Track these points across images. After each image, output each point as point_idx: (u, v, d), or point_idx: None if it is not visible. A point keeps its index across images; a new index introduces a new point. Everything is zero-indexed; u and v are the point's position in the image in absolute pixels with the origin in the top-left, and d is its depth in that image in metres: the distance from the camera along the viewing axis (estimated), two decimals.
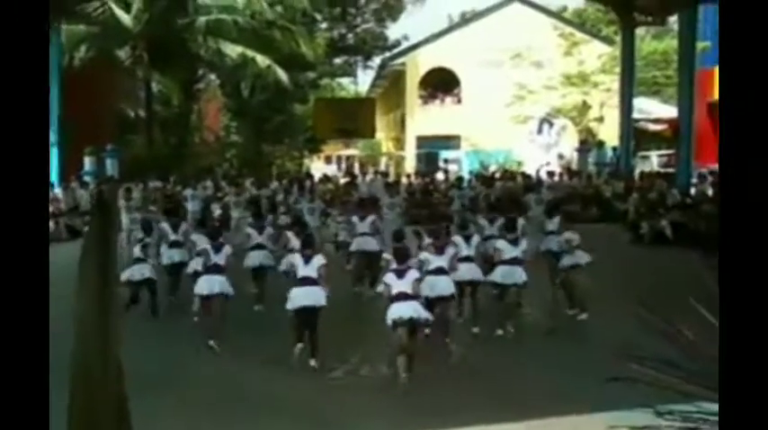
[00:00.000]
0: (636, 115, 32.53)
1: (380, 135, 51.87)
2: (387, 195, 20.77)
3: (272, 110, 43.10)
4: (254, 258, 13.83)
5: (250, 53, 35.16)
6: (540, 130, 43.17)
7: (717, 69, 20.46)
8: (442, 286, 10.73)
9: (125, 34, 33.96)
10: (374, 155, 57.47)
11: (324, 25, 52.31)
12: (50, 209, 23.80)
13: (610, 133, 34.16)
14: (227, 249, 11.62)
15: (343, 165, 59.99)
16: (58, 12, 28.03)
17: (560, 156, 40.21)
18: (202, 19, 34.66)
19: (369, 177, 30.60)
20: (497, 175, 30.93)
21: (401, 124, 47.24)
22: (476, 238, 12.43)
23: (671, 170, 29.51)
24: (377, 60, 55.34)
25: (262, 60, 35.40)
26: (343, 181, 29.14)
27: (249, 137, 43.43)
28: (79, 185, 26.34)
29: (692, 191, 24.66)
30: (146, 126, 36.46)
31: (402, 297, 9.64)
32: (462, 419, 8.46)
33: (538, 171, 29.59)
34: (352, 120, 38.94)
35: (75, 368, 4.18)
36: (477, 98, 41.55)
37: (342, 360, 10.58)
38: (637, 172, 30.16)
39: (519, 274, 11.88)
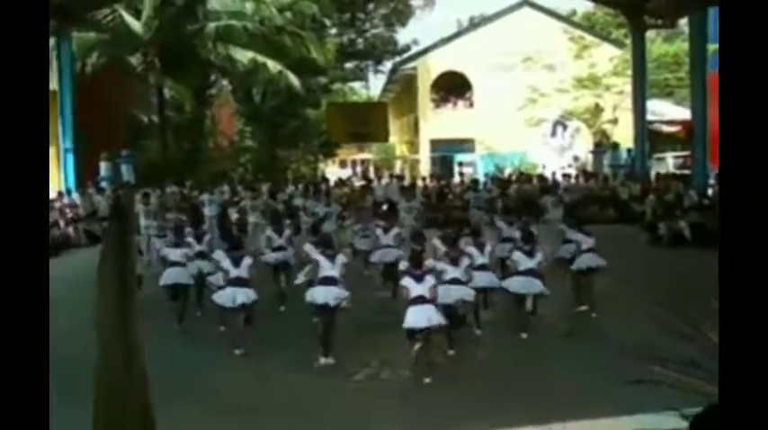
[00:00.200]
0: (649, 117, 32.43)
1: (394, 139, 51.85)
2: (403, 199, 20.83)
3: (286, 114, 43.14)
4: (275, 257, 14.24)
5: (261, 58, 35.21)
6: (553, 133, 43.13)
7: None
8: (458, 295, 10.90)
9: (136, 41, 34.08)
10: (388, 158, 57.46)
11: (333, 31, 52.36)
12: (69, 214, 23.97)
13: (624, 135, 34.06)
14: (246, 261, 11.57)
15: (358, 169, 59.96)
16: (68, 19, 28.17)
17: (575, 158, 40.17)
18: (212, 25, 34.75)
19: (384, 181, 30.63)
20: (513, 178, 30.95)
21: (414, 128, 47.26)
22: (489, 247, 12.53)
23: (687, 172, 29.41)
24: (387, 65, 55.39)
25: (273, 66, 35.45)
26: (358, 184, 29.20)
27: (263, 142, 43.50)
28: (96, 191, 26.47)
29: (710, 192, 24.58)
30: (159, 131, 36.56)
31: (420, 300, 9.87)
32: (483, 422, 8.45)
33: (554, 173, 29.60)
34: (366, 123, 39.00)
35: (99, 375, 4.20)
36: (490, 101, 41.53)
37: (363, 363, 10.58)
38: (653, 173, 30.07)
39: (537, 285, 11.97)
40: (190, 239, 14.12)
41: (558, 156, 41.47)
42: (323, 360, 10.59)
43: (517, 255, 12.32)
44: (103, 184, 27.64)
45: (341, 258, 11.15)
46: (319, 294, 10.66)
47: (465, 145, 43.96)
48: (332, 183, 28.48)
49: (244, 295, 11.24)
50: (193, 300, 13.72)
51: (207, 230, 15.65)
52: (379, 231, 15.51)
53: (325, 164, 55.89)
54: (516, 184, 27.78)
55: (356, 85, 63.02)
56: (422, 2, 57.12)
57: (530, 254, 12.15)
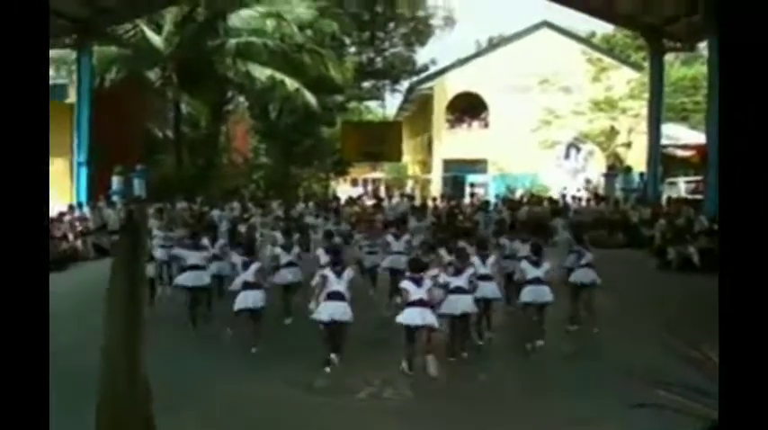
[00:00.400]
0: (664, 141, 32.39)
1: (407, 158, 51.90)
2: (413, 218, 20.85)
3: (301, 132, 43.30)
4: (284, 275, 14.27)
5: (279, 76, 35.35)
6: (567, 155, 43.14)
7: None
8: (462, 305, 11.32)
9: (156, 56, 34.30)
10: (400, 178, 57.51)
11: (353, 49, 52.55)
12: (78, 227, 24.04)
13: (637, 159, 34.01)
14: (255, 265, 12.18)
15: (370, 188, 60.02)
16: (90, 33, 28.40)
17: (587, 181, 40.11)
18: (232, 41, 34.95)
19: (395, 200, 30.64)
20: (524, 200, 30.92)
21: (428, 148, 47.30)
22: (492, 258, 12.88)
23: (699, 196, 29.31)
24: (405, 84, 55.51)
25: (290, 83, 35.59)
26: (369, 203, 29.23)
27: (278, 159, 43.63)
28: (107, 205, 26.57)
29: None
30: (174, 147, 36.69)
31: (418, 303, 10.55)
32: None
33: (564, 196, 29.55)
34: (379, 143, 39.03)
35: (103, 387, 4.22)
36: (505, 122, 41.58)
37: (366, 382, 10.56)
38: (664, 198, 29.97)
39: (546, 293, 12.29)
40: (206, 242, 14.65)
41: (571, 179, 41.43)
42: (328, 368, 10.90)
43: (524, 265, 12.66)
44: (114, 198, 27.76)
45: (348, 273, 11.43)
46: (326, 311, 11.00)
47: (478, 166, 43.99)
48: (342, 201, 28.48)
49: (252, 298, 11.85)
50: (206, 303, 14.17)
51: (219, 237, 16.02)
52: (389, 238, 15.86)
53: (337, 182, 55.98)
54: (527, 206, 27.75)
55: (372, 104, 63.22)
56: (442, 22, 57.41)
57: (536, 264, 12.51)
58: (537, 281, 12.33)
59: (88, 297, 15.13)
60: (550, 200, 30.34)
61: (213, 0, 35.41)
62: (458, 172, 44.19)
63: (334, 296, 11.07)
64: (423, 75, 52.10)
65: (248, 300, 11.87)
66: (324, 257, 12.23)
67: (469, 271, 11.63)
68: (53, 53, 29.95)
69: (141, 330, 4.34)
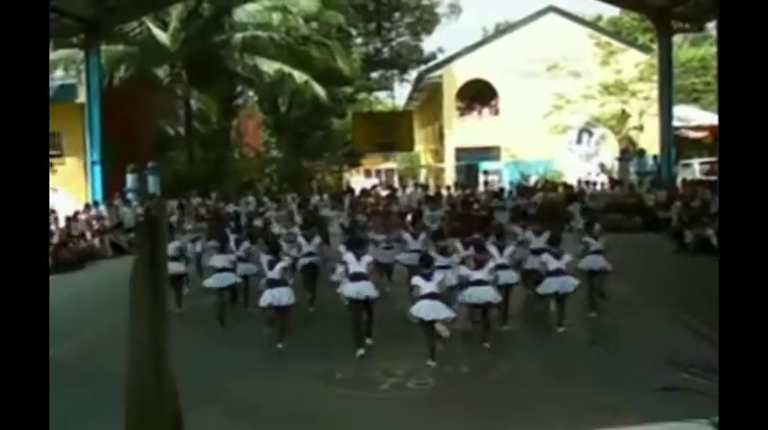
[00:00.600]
0: (676, 123, 32.22)
1: (419, 147, 51.82)
2: (427, 208, 20.85)
3: (311, 125, 43.32)
4: (305, 263, 14.85)
5: (287, 69, 35.37)
6: (579, 140, 43.00)
7: None
8: (484, 295, 11.67)
9: (163, 53, 34.34)
10: (413, 167, 57.44)
11: (359, 40, 52.57)
12: (95, 226, 24.14)
13: (650, 141, 33.85)
14: (280, 264, 12.47)
15: (383, 179, 59.99)
16: (97, 33, 28.46)
17: (601, 166, 39.97)
18: (239, 36, 34.97)
19: (409, 190, 30.62)
20: (539, 186, 30.85)
21: (439, 136, 47.20)
22: (510, 248, 13.31)
23: (714, 178, 29.16)
24: (413, 73, 55.49)
25: (299, 76, 35.61)
26: (383, 193, 29.24)
27: (289, 152, 43.63)
28: (122, 202, 26.66)
29: None
30: (186, 143, 36.77)
31: (430, 296, 10.95)
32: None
33: (580, 181, 29.50)
34: (391, 133, 38.90)
35: (130, 387, 4.24)
36: (515, 109, 41.40)
37: (389, 374, 10.60)
38: (679, 180, 29.84)
39: (570, 284, 12.74)
40: (231, 246, 15.03)
41: (585, 163, 41.30)
42: (360, 351, 11.37)
43: (545, 257, 13.03)
44: (130, 196, 27.83)
45: (367, 258, 12.05)
46: (351, 289, 11.60)
47: (490, 153, 43.89)
48: (357, 192, 28.50)
49: (278, 295, 12.10)
50: (240, 301, 14.73)
51: (244, 238, 16.10)
52: (407, 236, 15.77)
53: (350, 173, 55.98)
54: (542, 192, 27.69)
55: (381, 94, 63.20)
56: (447, 10, 57.41)
57: (557, 256, 12.89)
58: (559, 272, 12.69)
59: (107, 296, 15.27)
60: (565, 185, 30.25)
61: None
62: (470, 160, 44.07)
63: (357, 277, 11.63)
64: (431, 63, 52.04)
65: (275, 296, 12.09)
66: (344, 253, 12.45)
67: (490, 264, 12.01)
68: (62, 53, 30.03)
69: (166, 326, 4.35)
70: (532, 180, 36.42)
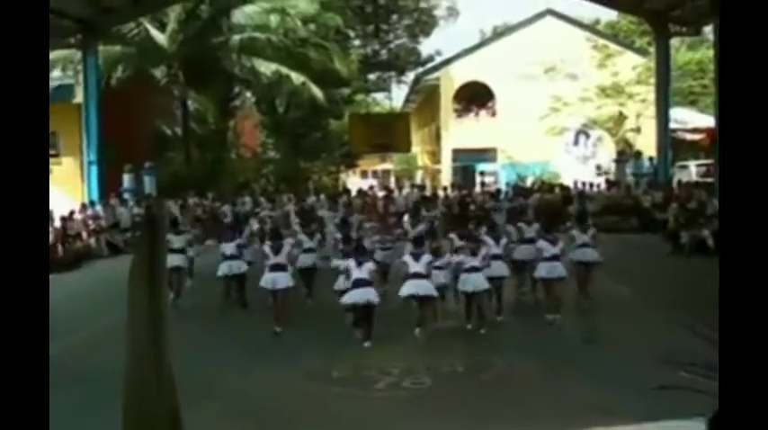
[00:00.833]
0: (673, 125, 32.27)
1: (416, 149, 51.79)
2: (423, 209, 20.86)
3: (308, 126, 43.29)
4: (304, 260, 15.13)
5: (284, 71, 35.34)
6: (576, 142, 43.01)
7: None
8: (477, 282, 12.51)
9: (161, 54, 34.31)
10: (410, 169, 57.45)
11: (357, 42, 52.55)
12: (91, 226, 24.12)
13: (647, 143, 33.89)
14: (285, 248, 13.44)
15: (380, 179, 59.96)
16: (95, 33, 28.44)
17: (598, 168, 39.99)
18: (236, 37, 34.93)
19: (405, 191, 30.63)
20: (535, 187, 30.88)
21: (436, 138, 47.23)
22: (504, 240, 14.07)
23: (710, 180, 29.21)
24: (410, 75, 55.52)
25: (296, 77, 35.59)
26: (380, 194, 29.26)
27: (286, 153, 43.57)
28: (119, 203, 26.64)
29: None
30: (183, 143, 36.74)
31: (416, 276, 11.99)
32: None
33: (576, 183, 29.53)
34: (388, 134, 38.90)
35: (129, 381, 4.24)
36: (512, 111, 41.41)
37: (385, 373, 10.61)
38: (675, 182, 29.88)
39: (560, 270, 13.50)
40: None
41: (581, 165, 41.31)
42: (367, 343, 11.98)
43: (541, 243, 13.81)
44: (126, 196, 27.82)
45: (369, 265, 12.37)
46: (352, 297, 12.08)
47: (487, 154, 43.91)
48: (354, 193, 28.49)
49: (279, 279, 12.93)
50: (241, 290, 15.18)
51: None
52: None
53: (347, 174, 55.96)
54: (538, 194, 27.72)
55: (379, 96, 63.20)
56: (445, 12, 57.40)
57: (553, 242, 13.74)
58: (554, 258, 13.47)
59: (103, 295, 15.29)
60: (561, 186, 30.28)
61: None
62: (467, 161, 44.10)
63: (358, 283, 12.04)
64: (428, 65, 52.04)
65: (276, 280, 12.89)
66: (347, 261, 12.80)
67: (483, 251, 12.79)
68: (59, 53, 30.01)
69: (165, 321, 4.36)
70: (529, 181, 36.44)
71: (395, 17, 55.10)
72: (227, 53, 35.23)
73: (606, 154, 40.49)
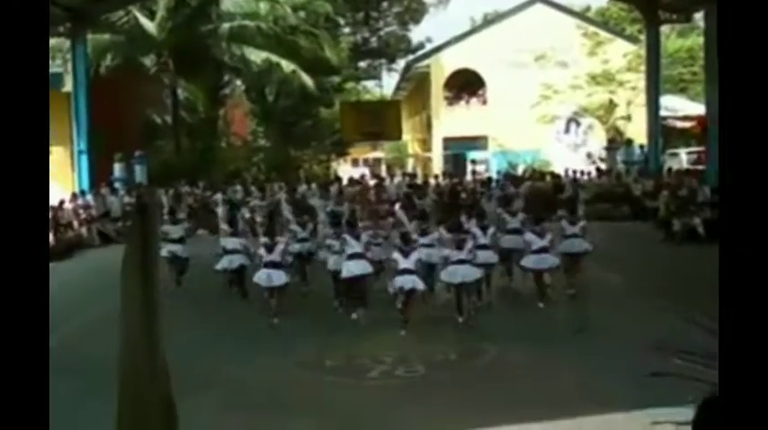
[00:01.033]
0: (663, 113, 32.35)
1: (407, 137, 51.74)
2: (414, 197, 20.86)
3: (299, 114, 43.20)
4: (297, 249, 15.41)
5: (275, 58, 35.22)
6: (567, 130, 43.01)
7: None
8: (466, 273, 12.73)
9: (150, 42, 34.16)
10: (401, 157, 57.45)
11: (347, 29, 52.46)
12: (82, 215, 24.06)
13: (637, 131, 33.98)
14: (279, 247, 13.60)
15: (371, 168, 59.95)
16: (83, 22, 28.31)
17: (588, 155, 40.04)
18: (226, 25, 34.79)
19: (396, 179, 30.61)
20: (526, 175, 30.91)
21: (427, 126, 47.19)
22: (492, 229, 14.34)
23: (701, 167, 29.29)
24: (401, 63, 55.45)
25: (286, 65, 35.48)
26: (371, 183, 29.23)
27: (276, 141, 43.49)
28: (110, 192, 26.58)
29: None
30: (173, 132, 36.64)
31: (406, 272, 12.36)
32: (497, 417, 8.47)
33: (566, 171, 29.56)
34: (379, 122, 38.82)
35: (123, 370, 4.23)
36: (503, 99, 41.38)
37: (378, 361, 10.66)
38: (665, 169, 29.95)
39: (551, 260, 13.88)
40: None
41: (572, 153, 41.34)
42: (358, 313, 12.90)
43: (529, 236, 14.12)
44: (117, 185, 27.76)
45: (365, 237, 13.36)
46: (349, 268, 12.82)
47: (478, 142, 43.90)
48: (345, 181, 28.46)
49: (277, 276, 13.18)
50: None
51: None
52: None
53: (338, 163, 55.94)
54: (529, 182, 27.74)
55: (369, 83, 63.12)
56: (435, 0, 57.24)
57: (540, 235, 14.01)
58: (542, 250, 13.79)
59: (95, 285, 15.29)
60: (552, 174, 30.32)
61: None
62: (458, 149, 44.10)
63: (354, 256, 12.86)
64: (419, 53, 52.00)
65: (272, 278, 13.14)
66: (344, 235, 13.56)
67: (469, 244, 12.99)
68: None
69: (158, 310, 4.35)
70: (520, 169, 36.47)
71: (385, 4, 55.00)
72: (216, 41, 35.10)
73: (597, 142, 40.53)
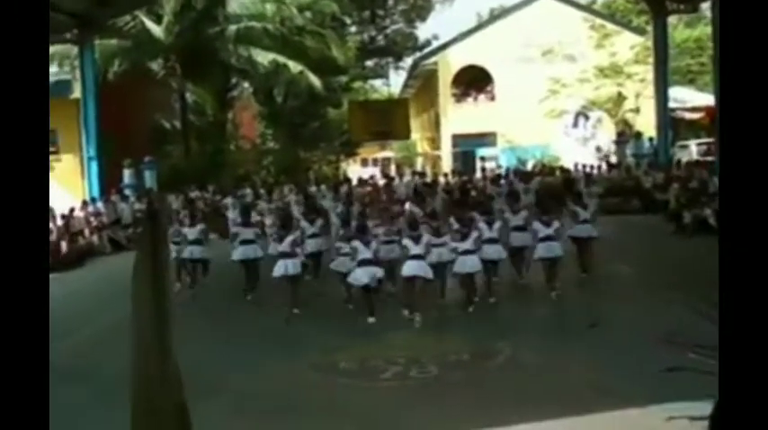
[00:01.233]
0: (672, 104, 32.22)
1: (415, 135, 51.61)
2: (424, 195, 20.85)
3: (307, 115, 43.18)
4: (311, 245, 15.98)
5: (282, 60, 35.21)
6: (575, 124, 42.87)
7: None
8: (470, 264, 13.28)
9: (157, 46, 34.19)
10: (410, 155, 57.36)
11: (353, 28, 52.42)
12: (93, 222, 24.09)
13: (646, 123, 33.85)
14: (289, 238, 14.07)
15: (379, 167, 59.92)
16: (90, 28, 28.36)
17: (598, 149, 39.92)
18: (232, 28, 34.79)
19: (406, 178, 30.58)
20: (536, 171, 30.83)
21: (435, 124, 47.12)
22: (498, 223, 14.58)
23: (711, 158, 29.15)
24: (408, 61, 55.39)
25: (294, 66, 35.46)
26: (381, 182, 29.20)
27: (285, 143, 43.48)
28: (120, 198, 26.60)
29: None
30: (182, 136, 36.68)
31: (416, 257, 12.87)
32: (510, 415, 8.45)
33: (576, 165, 29.48)
34: (387, 121, 38.75)
35: (135, 377, 4.25)
36: (511, 94, 41.29)
37: (391, 362, 10.66)
38: (675, 161, 29.84)
39: (557, 248, 14.20)
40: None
41: (581, 147, 41.20)
42: (371, 319, 12.94)
43: (537, 225, 14.51)
44: (127, 192, 27.78)
45: (374, 245, 13.38)
46: (360, 274, 12.98)
47: (487, 139, 43.77)
48: (355, 182, 28.45)
49: (290, 266, 13.66)
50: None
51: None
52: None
53: (347, 163, 55.91)
54: (539, 177, 27.66)
55: (377, 82, 63.03)
56: None
57: (547, 224, 14.34)
58: (548, 238, 14.16)
59: (107, 293, 15.32)
60: (562, 169, 30.23)
61: None
62: (467, 146, 43.98)
63: (365, 262, 12.96)
64: (426, 50, 51.87)
65: (288, 267, 13.60)
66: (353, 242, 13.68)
67: (474, 234, 13.52)
68: (55, 49, 29.89)
69: (169, 316, 4.36)
70: (529, 165, 36.37)
71: (391, 2, 54.90)
72: (223, 43, 35.11)
73: (606, 135, 40.38)
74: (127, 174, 29.12)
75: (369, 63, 56.19)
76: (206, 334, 12.41)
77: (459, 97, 46.12)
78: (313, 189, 26.19)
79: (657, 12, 30.62)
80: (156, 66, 35.74)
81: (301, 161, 43.52)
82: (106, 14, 29.54)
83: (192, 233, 16.59)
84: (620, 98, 38.85)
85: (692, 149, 35.23)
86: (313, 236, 16.16)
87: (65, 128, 28.67)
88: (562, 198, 18.41)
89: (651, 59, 32.55)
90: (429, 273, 12.91)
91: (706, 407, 3.91)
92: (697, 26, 47.49)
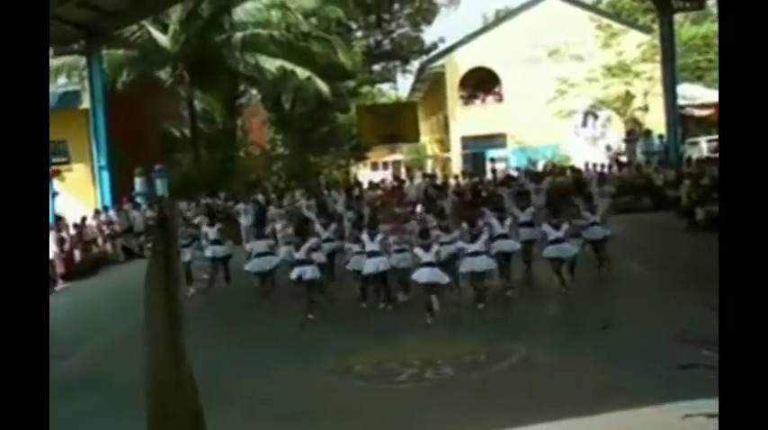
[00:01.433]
0: (680, 101, 32.13)
1: (424, 138, 51.59)
2: (435, 198, 20.85)
3: (315, 120, 43.21)
4: (325, 249, 16.20)
5: (289, 66, 35.26)
6: (584, 123, 42.82)
7: None
8: (479, 264, 13.62)
9: (164, 55, 34.29)
10: (420, 158, 57.34)
11: (359, 33, 52.48)
12: (106, 231, 24.18)
13: (656, 122, 33.78)
14: (305, 246, 14.50)
15: (390, 171, 59.89)
16: (97, 38, 28.45)
17: (608, 148, 39.85)
18: (239, 35, 34.89)
19: (416, 181, 30.56)
20: (547, 171, 30.77)
21: (444, 126, 47.12)
22: (509, 220, 15.10)
23: None
24: (415, 64, 55.42)
25: (301, 72, 35.51)
26: (391, 185, 29.22)
27: (295, 149, 43.56)
28: (132, 207, 26.68)
29: None
30: (192, 144, 36.77)
31: (428, 265, 13.22)
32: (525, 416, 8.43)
33: (587, 164, 29.43)
34: (396, 125, 38.76)
35: (149, 384, 4.25)
36: (519, 95, 41.28)
37: (407, 364, 10.67)
38: (686, 158, 29.76)
39: (568, 250, 14.47)
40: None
41: (591, 147, 41.15)
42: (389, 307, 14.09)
43: (546, 228, 14.76)
44: (139, 200, 27.86)
45: (380, 236, 14.13)
46: (368, 265, 13.86)
47: (496, 140, 43.74)
48: (365, 186, 28.46)
49: (309, 271, 14.15)
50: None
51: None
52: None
53: (357, 167, 55.93)
54: (550, 177, 27.59)
55: (384, 86, 63.08)
56: None
57: (556, 227, 14.55)
58: (558, 240, 14.39)
59: (120, 301, 15.37)
60: (572, 169, 30.16)
61: None
62: (477, 148, 43.94)
63: (373, 254, 13.88)
64: (432, 53, 51.87)
65: (306, 272, 14.07)
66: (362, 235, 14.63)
67: (484, 236, 13.86)
68: (63, 60, 30.02)
69: (182, 323, 4.37)
70: (540, 165, 36.32)
71: (396, 6, 54.93)
72: (230, 51, 35.19)
73: (615, 134, 40.33)
74: (138, 183, 29.20)
75: (376, 67, 56.23)
76: (220, 339, 12.44)
77: (468, 99, 46.12)
78: (324, 194, 26.22)
79: (663, 10, 30.55)
80: (164, 74, 35.83)
81: (311, 166, 43.55)
82: (112, 25, 29.61)
83: (212, 232, 17.33)
84: (629, 97, 38.78)
85: (703, 146, 35.12)
86: (327, 240, 16.50)
87: (75, 138, 28.79)
88: (572, 199, 18.38)
89: (658, 57, 32.48)
90: (444, 279, 13.29)
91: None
92: (703, 23, 47.40)
